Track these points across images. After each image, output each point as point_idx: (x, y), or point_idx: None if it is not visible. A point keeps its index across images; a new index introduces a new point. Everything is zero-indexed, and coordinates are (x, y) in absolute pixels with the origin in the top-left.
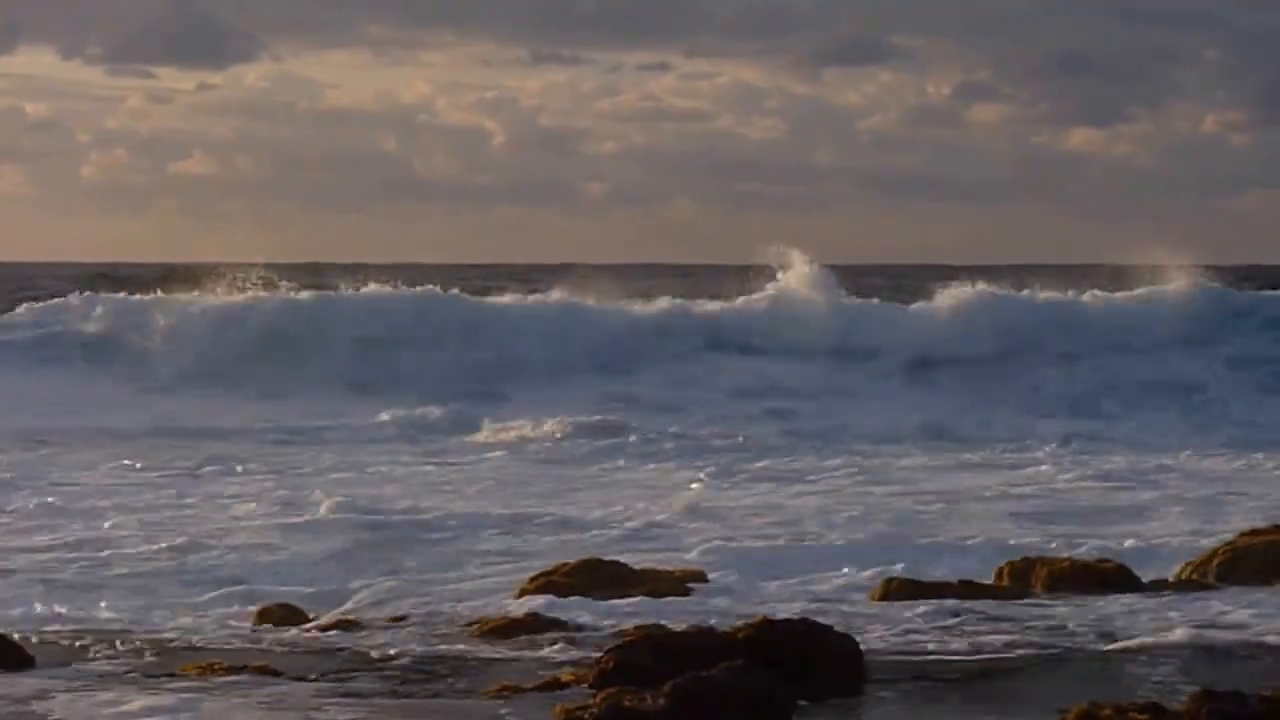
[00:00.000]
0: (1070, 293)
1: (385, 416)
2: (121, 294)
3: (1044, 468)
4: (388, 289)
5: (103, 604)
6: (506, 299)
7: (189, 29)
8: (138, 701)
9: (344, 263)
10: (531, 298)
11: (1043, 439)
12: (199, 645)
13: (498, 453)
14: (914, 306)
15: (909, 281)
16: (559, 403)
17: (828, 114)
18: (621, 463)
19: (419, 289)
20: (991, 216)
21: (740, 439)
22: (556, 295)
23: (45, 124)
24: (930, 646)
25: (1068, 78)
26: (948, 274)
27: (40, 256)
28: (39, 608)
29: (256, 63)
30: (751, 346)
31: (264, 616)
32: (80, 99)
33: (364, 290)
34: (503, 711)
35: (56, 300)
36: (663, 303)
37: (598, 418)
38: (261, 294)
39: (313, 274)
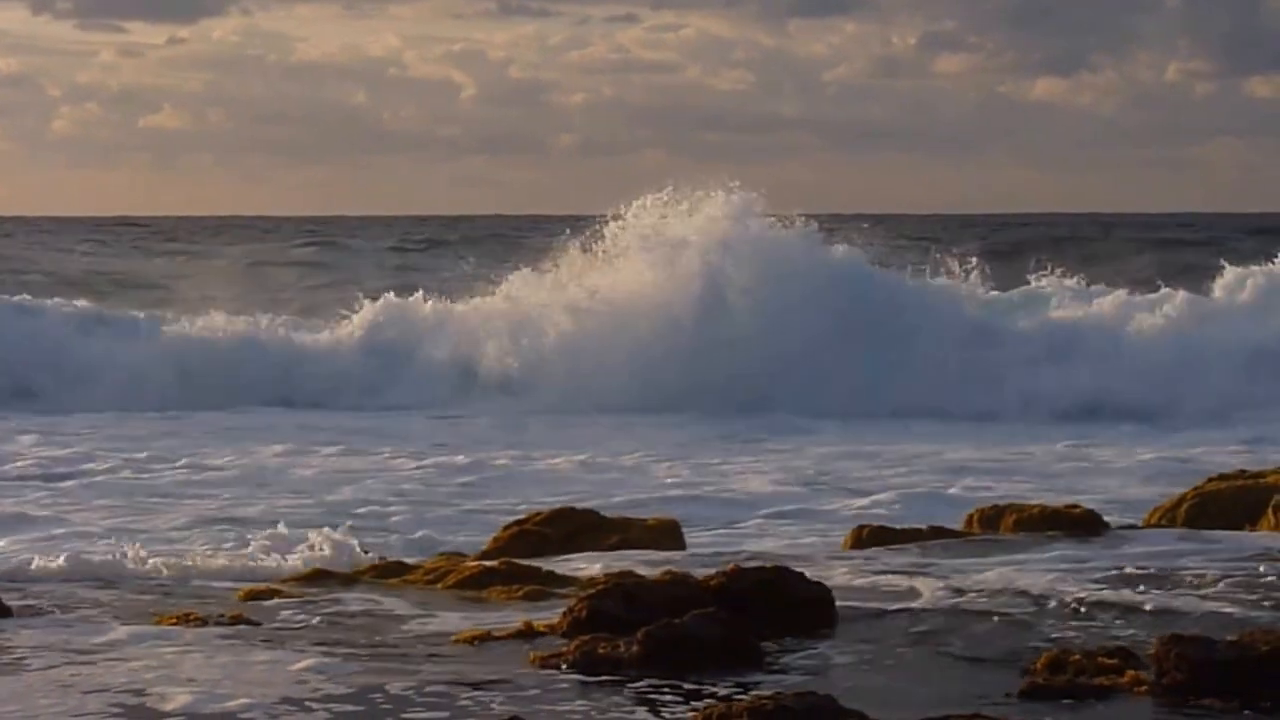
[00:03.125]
0: None
1: None
2: None
3: None
4: None
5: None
6: None
7: None
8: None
9: (313, 215)
10: None
11: None
12: (166, 581)
13: None
14: None
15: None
16: None
17: (794, 65)
18: None
19: None
20: (957, 165)
21: None
22: None
23: (16, 78)
24: (901, 592)
25: (1032, 27)
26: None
27: (10, 210)
28: None
29: (225, 16)
30: None
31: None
32: (51, 53)
33: None
34: (475, 659)
35: None
36: None
37: None
38: None
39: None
